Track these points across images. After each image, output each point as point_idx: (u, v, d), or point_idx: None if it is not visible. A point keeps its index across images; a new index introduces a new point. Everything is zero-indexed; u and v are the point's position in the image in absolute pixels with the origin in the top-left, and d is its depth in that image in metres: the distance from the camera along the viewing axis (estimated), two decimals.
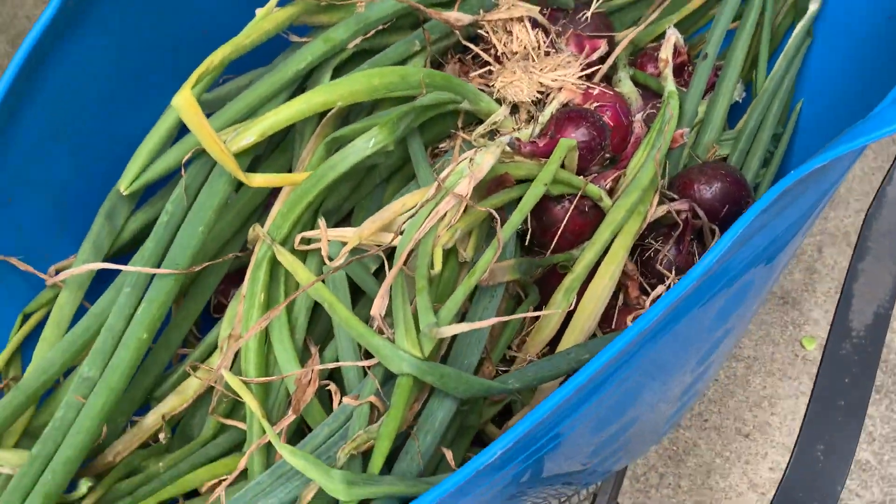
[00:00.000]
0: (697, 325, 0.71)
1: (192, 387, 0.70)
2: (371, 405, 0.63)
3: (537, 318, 0.84)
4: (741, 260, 0.64)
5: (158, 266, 0.69)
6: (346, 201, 0.84)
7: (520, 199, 0.77)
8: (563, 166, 0.87)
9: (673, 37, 1.05)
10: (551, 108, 0.90)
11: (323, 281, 0.67)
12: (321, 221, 0.71)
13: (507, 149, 0.82)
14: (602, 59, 1.06)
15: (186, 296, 0.77)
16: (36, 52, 0.63)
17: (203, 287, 0.77)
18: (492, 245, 0.69)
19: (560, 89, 0.91)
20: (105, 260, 0.75)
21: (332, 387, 0.67)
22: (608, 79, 1.06)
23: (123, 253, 0.77)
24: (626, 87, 1.03)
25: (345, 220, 0.86)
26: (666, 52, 1.04)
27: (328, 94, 0.75)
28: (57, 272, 0.73)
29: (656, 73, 1.05)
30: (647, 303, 0.91)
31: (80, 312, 0.70)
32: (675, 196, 0.93)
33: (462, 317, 0.72)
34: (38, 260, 0.72)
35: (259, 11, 0.79)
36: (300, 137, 0.84)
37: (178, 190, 0.75)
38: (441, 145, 0.93)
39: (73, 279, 0.70)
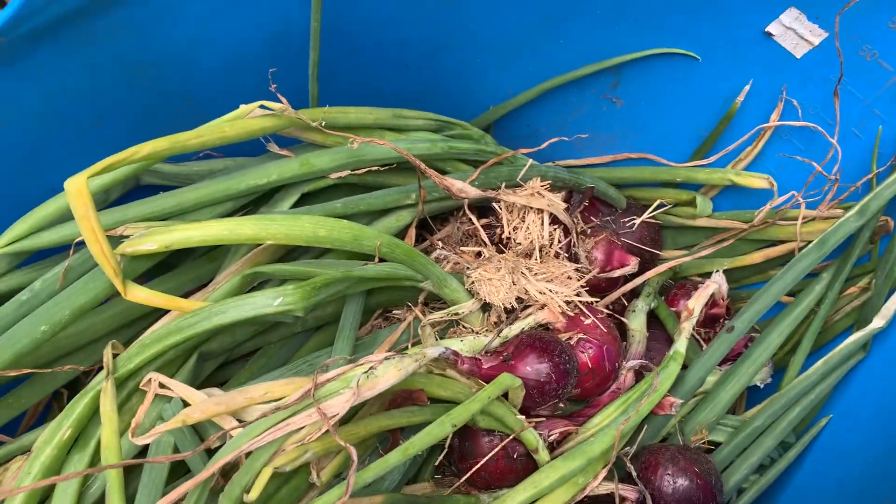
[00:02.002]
0: None
1: None
2: None
3: None
4: None
5: None
6: (248, 342, 0.72)
7: (424, 424, 0.64)
8: (505, 396, 0.73)
9: (713, 285, 0.90)
10: (522, 325, 0.76)
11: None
12: (159, 378, 0.59)
13: (438, 360, 0.68)
14: (626, 279, 0.92)
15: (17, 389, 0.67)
16: None
17: (29, 392, 0.67)
18: (335, 487, 0.55)
19: (543, 307, 0.78)
20: None
21: None
22: (617, 309, 0.91)
23: None
24: (636, 321, 0.88)
25: (244, 358, 0.75)
26: (696, 302, 0.89)
27: (260, 229, 0.64)
28: None
29: (688, 314, 0.90)
30: None
31: None
32: (632, 470, 0.77)
33: None
34: None
35: (235, 112, 0.69)
36: (233, 254, 0.73)
37: (57, 269, 0.65)
38: (396, 311, 0.81)
39: None
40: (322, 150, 0.75)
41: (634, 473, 0.78)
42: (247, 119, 0.68)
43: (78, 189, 0.57)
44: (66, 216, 0.66)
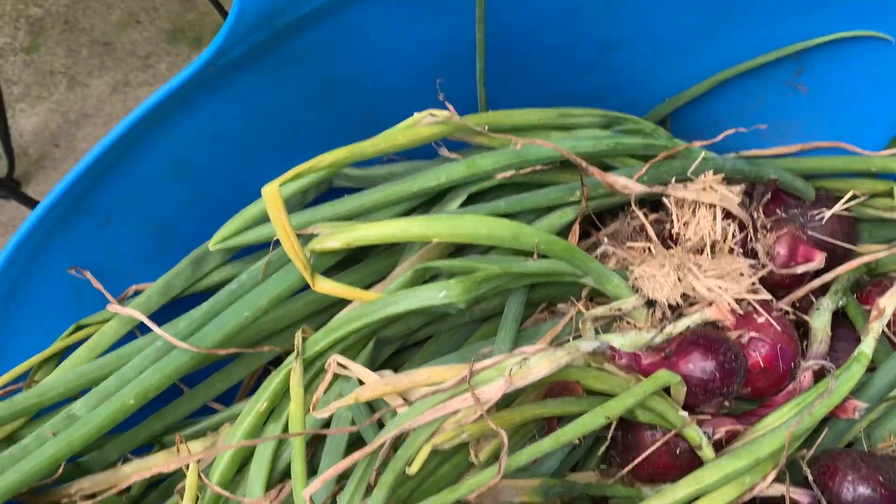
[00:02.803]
0: None
1: (157, 460, 0.70)
2: None
3: None
4: None
5: (194, 333, 0.70)
6: (422, 329, 0.79)
7: (579, 415, 0.67)
8: (668, 393, 0.74)
9: None
10: (688, 323, 0.76)
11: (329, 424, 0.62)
12: (339, 359, 0.66)
13: (596, 353, 0.70)
14: (813, 276, 0.88)
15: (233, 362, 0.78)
16: (159, 107, 0.67)
17: (238, 368, 0.77)
18: (491, 467, 0.60)
19: (710, 304, 0.77)
20: (180, 298, 0.78)
21: None
22: (803, 306, 0.87)
23: (207, 292, 0.80)
24: (818, 320, 0.84)
25: (419, 344, 0.81)
26: (889, 301, 0.83)
27: (426, 228, 0.70)
28: (136, 293, 0.77)
29: (878, 313, 0.84)
30: None
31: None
32: (808, 473, 0.74)
33: None
34: (121, 278, 0.77)
35: (407, 121, 0.76)
36: (408, 250, 0.80)
37: (259, 263, 0.75)
38: (560, 305, 0.83)
39: (131, 308, 0.74)
40: (488, 153, 0.79)
41: (811, 478, 0.75)
42: (417, 127, 0.74)
43: (272, 194, 0.66)
44: (266, 217, 0.75)
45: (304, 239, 0.75)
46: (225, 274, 0.78)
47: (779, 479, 0.74)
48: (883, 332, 0.82)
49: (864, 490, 0.73)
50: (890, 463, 0.76)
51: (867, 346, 0.79)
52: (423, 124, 0.75)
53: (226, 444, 0.67)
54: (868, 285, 0.90)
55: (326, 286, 0.71)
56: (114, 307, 0.72)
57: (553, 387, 0.69)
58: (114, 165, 0.69)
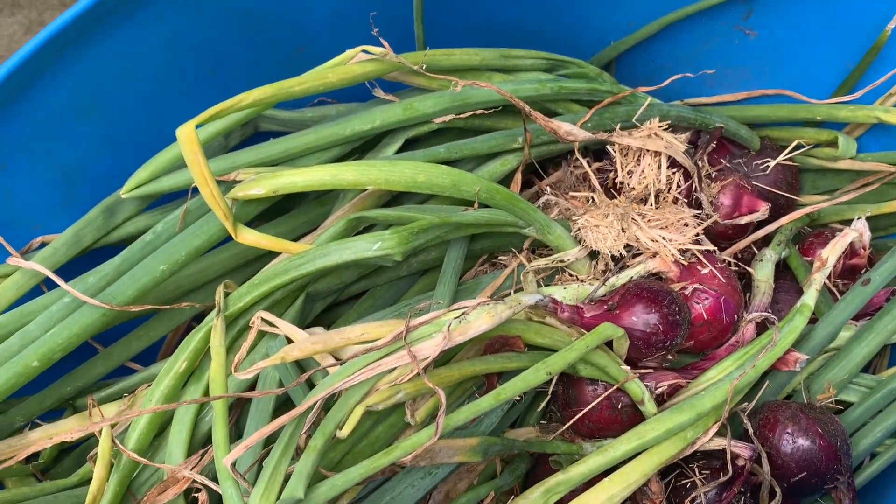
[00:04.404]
0: None
1: (68, 425, 0.65)
2: None
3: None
4: None
5: (106, 289, 0.64)
6: (356, 283, 0.74)
7: (520, 371, 0.64)
8: (610, 346, 0.71)
9: (852, 233, 0.83)
10: (630, 274, 0.73)
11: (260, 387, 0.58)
12: (265, 316, 0.62)
13: (537, 307, 0.67)
14: (756, 227, 0.86)
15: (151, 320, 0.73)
16: (68, 32, 0.60)
17: (157, 326, 0.72)
18: (427, 427, 0.56)
19: (654, 255, 0.74)
20: (91, 251, 0.72)
21: (203, 496, 0.59)
22: (745, 257, 0.86)
23: (120, 245, 0.73)
24: (761, 271, 0.83)
25: (354, 299, 0.77)
26: (831, 252, 0.82)
27: (360, 175, 0.65)
28: (42, 245, 0.71)
29: (820, 264, 0.83)
30: None
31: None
32: (749, 426, 0.73)
33: (371, 492, 0.61)
34: (24, 229, 0.70)
35: (339, 57, 0.70)
36: (341, 199, 0.75)
37: (177, 212, 0.69)
38: (501, 257, 0.80)
39: (35, 262, 0.67)
40: (426, 95, 0.74)
41: (751, 430, 0.74)
42: (349, 65, 0.69)
43: (188, 136, 0.60)
44: (184, 162, 0.69)
45: (227, 186, 0.69)
46: (140, 224, 0.72)
47: (720, 432, 0.73)
48: (824, 283, 0.81)
49: (803, 442, 0.72)
50: (828, 414, 0.76)
51: (809, 297, 0.78)
52: (355, 61, 0.69)
53: (143, 407, 0.62)
54: (810, 236, 0.89)
55: (250, 237, 0.66)
56: (16, 260, 0.66)
57: (493, 342, 0.66)
58: (11, 101, 0.62)
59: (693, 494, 0.73)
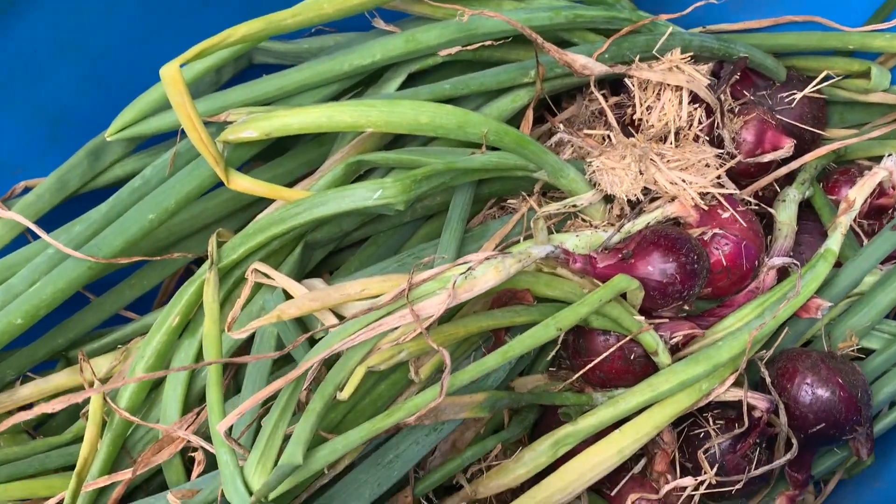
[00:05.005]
0: None
1: (59, 380, 0.62)
2: None
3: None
4: None
5: (92, 239, 0.60)
6: (357, 230, 0.70)
7: (529, 325, 0.61)
8: (623, 296, 0.68)
9: (882, 172, 0.78)
10: (647, 220, 0.69)
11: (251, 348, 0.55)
12: (261, 268, 0.58)
13: (549, 258, 0.63)
14: (780, 164, 0.81)
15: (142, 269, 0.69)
16: None
17: (151, 272, 0.68)
18: (432, 386, 0.54)
19: (673, 199, 0.70)
20: (77, 196, 0.68)
21: (199, 456, 0.57)
22: (767, 196, 0.82)
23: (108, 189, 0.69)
24: (784, 213, 0.79)
25: (355, 245, 0.74)
26: (858, 193, 0.77)
27: (358, 116, 0.60)
28: (25, 190, 0.67)
29: (847, 206, 0.79)
30: (663, 490, 0.72)
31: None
32: (766, 375, 0.71)
33: (375, 449, 0.58)
34: (7, 173, 0.66)
35: None
36: (340, 139, 0.70)
37: (166, 155, 0.65)
38: (511, 201, 0.76)
39: (19, 209, 0.64)
40: (430, 25, 0.69)
41: (769, 380, 0.71)
42: None
43: (172, 76, 0.56)
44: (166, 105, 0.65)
45: (218, 127, 0.65)
46: (128, 168, 0.68)
47: (737, 383, 0.70)
48: (850, 225, 0.77)
49: (822, 393, 0.70)
50: (850, 364, 0.73)
51: (834, 242, 0.74)
52: None
53: (135, 363, 0.60)
54: (835, 173, 0.84)
55: (243, 184, 0.62)
56: None
57: (501, 295, 0.63)
58: None
59: (706, 445, 0.72)
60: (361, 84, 0.72)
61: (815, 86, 0.83)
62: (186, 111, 0.57)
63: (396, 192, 0.59)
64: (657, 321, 0.70)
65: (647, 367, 0.70)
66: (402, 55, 0.68)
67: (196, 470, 0.57)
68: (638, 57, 0.75)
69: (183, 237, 0.67)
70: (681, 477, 0.72)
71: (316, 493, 0.56)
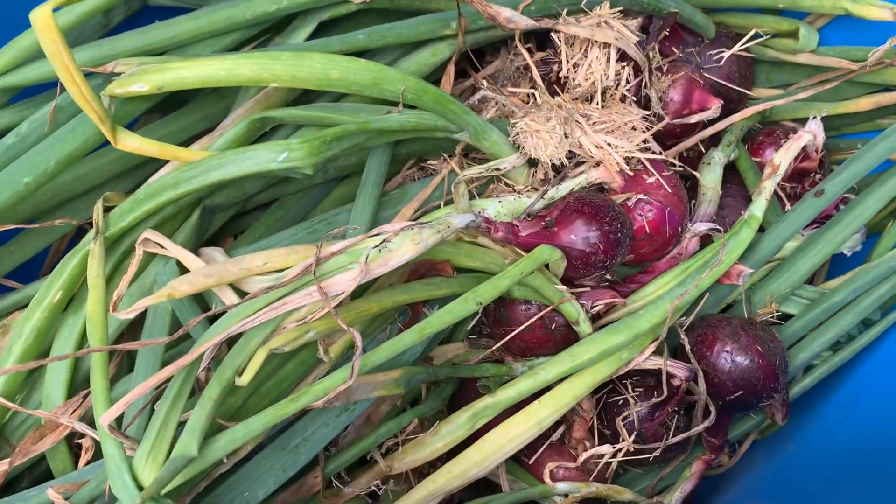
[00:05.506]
0: None
1: None
2: None
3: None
4: None
5: None
6: (263, 193, 0.65)
7: (449, 298, 0.57)
8: (546, 266, 0.65)
9: (806, 136, 0.77)
10: (571, 185, 0.66)
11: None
12: (153, 236, 0.53)
13: (469, 227, 0.60)
14: (706, 125, 0.79)
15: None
16: None
17: (33, 238, 0.62)
18: (343, 367, 0.50)
19: (598, 164, 0.67)
20: None
21: (87, 442, 0.52)
22: (691, 157, 0.80)
23: None
24: (708, 176, 0.77)
25: (262, 208, 0.68)
26: (783, 157, 0.76)
27: (261, 69, 0.55)
28: None
29: (772, 170, 0.77)
30: (581, 457, 0.71)
31: None
32: (685, 342, 0.70)
33: (280, 432, 0.55)
34: None
35: None
36: (244, 92, 0.65)
37: (45, 109, 0.58)
38: (431, 161, 0.72)
39: None
40: None
41: (688, 347, 0.70)
42: None
43: (44, 22, 0.49)
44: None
45: (105, 79, 0.58)
46: (2, 122, 0.61)
47: (657, 352, 0.69)
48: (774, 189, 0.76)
49: (741, 360, 0.69)
50: (769, 330, 0.72)
51: (758, 208, 0.73)
52: None
53: (14, 340, 0.54)
54: (760, 134, 0.83)
55: (132, 143, 0.56)
56: None
57: (419, 266, 0.59)
58: None
59: (625, 412, 0.71)
60: (268, 32, 0.66)
61: (743, 44, 0.81)
62: (63, 63, 0.50)
63: (304, 154, 0.54)
64: (578, 290, 0.67)
65: (569, 336, 0.68)
66: (313, 2, 0.62)
67: (84, 457, 0.52)
68: (566, 10, 0.71)
69: (68, 199, 0.60)
70: (599, 444, 0.71)
71: (215, 481, 0.52)
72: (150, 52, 0.59)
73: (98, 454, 0.53)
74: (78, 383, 0.55)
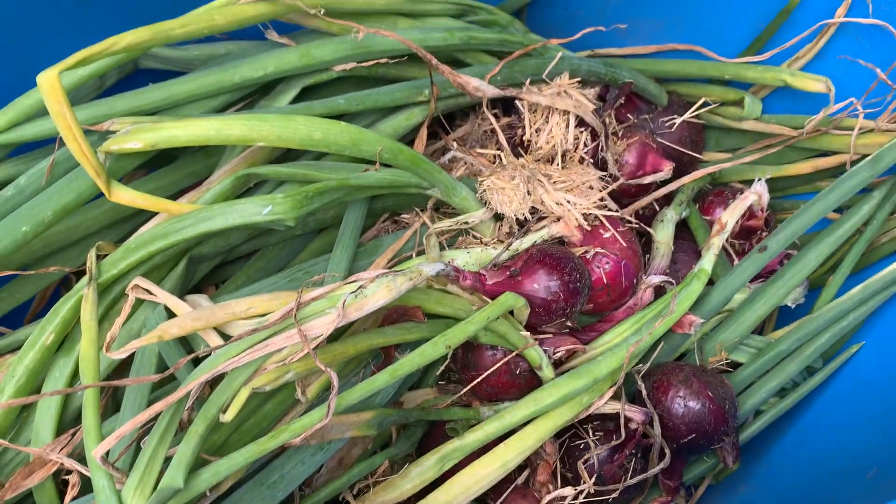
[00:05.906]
0: None
1: None
2: None
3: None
4: None
5: None
6: (246, 244, 0.69)
7: (420, 342, 0.61)
8: (511, 313, 0.70)
9: (752, 196, 0.83)
10: (534, 238, 0.72)
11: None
12: (143, 283, 0.57)
13: (439, 275, 0.64)
14: (660, 185, 0.86)
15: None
16: None
17: (24, 285, 0.65)
18: (319, 407, 0.54)
19: (559, 219, 0.73)
20: None
21: (74, 478, 0.55)
22: (646, 214, 0.86)
23: None
24: (662, 232, 0.83)
25: (243, 259, 0.72)
26: (730, 216, 0.82)
27: (249, 130, 0.59)
28: None
29: (719, 228, 0.83)
30: (544, 500, 0.74)
31: None
32: (642, 388, 0.74)
33: (259, 469, 0.58)
34: None
35: None
36: (230, 150, 0.69)
37: (43, 163, 0.62)
38: (405, 215, 0.77)
39: None
40: (326, 40, 0.69)
41: (644, 392, 0.75)
42: (239, 5, 0.62)
43: (50, 85, 0.54)
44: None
45: (101, 136, 0.63)
46: (2, 174, 0.65)
47: (615, 396, 0.73)
48: (722, 245, 0.82)
49: (694, 405, 0.74)
50: (719, 377, 0.77)
51: (707, 262, 0.79)
52: (245, 1, 0.63)
53: (6, 380, 0.57)
54: (710, 195, 0.89)
55: (126, 196, 0.60)
56: None
57: (392, 312, 0.63)
58: None
59: (586, 456, 0.74)
60: (253, 94, 0.71)
61: (693, 111, 0.88)
62: (66, 121, 0.55)
63: (287, 207, 0.59)
64: (541, 336, 0.72)
65: (532, 381, 0.72)
66: (296, 69, 0.67)
67: (70, 493, 0.55)
68: (528, 80, 0.78)
69: (60, 248, 0.64)
70: (562, 487, 0.75)
71: None
72: (143, 111, 0.64)
73: (84, 490, 0.55)
74: (66, 423, 0.58)
